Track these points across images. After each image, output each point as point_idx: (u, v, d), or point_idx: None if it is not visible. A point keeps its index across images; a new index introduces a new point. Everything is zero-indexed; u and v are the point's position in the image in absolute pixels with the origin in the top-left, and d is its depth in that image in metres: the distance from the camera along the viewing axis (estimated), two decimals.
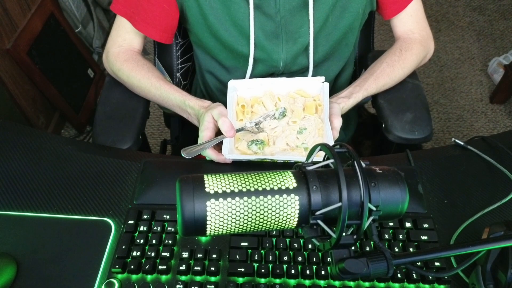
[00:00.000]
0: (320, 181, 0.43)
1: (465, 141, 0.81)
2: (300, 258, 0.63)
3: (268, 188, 0.42)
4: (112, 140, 0.83)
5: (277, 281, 0.62)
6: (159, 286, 0.61)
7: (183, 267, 0.62)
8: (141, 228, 0.67)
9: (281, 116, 0.80)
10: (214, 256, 0.63)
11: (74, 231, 0.68)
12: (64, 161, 0.78)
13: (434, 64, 2.23)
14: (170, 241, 0.65)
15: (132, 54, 0.91)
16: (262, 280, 0.62)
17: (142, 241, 0.65)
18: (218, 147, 0.76)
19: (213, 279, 0.62)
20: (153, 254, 0.64)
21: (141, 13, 0.86)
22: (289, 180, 0.43)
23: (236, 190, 0.42)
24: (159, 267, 0.62)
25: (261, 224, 0.43)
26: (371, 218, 0.43)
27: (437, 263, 0.63)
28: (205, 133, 0.75)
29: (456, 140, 0.81)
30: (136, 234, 0.67)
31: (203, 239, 0.66)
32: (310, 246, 0.65)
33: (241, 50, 0.87)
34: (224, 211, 0.41)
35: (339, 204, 0.41)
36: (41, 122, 1.73)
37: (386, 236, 0.66)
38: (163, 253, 0.64)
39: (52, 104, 1.77)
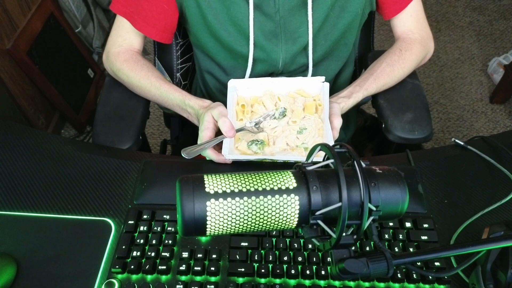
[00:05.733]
0: (320, 181, 0.43)
1: (465, 141, 0.81)
2: (300, 258, 0.63)
3: (268, 188, 0.42)
4: (112, 140, 0.83)
5: (277, 281, 0.62)
6: (159, 286, 0.61)
7: (183, 267, 0.62)
8: (141, 228, 0.67)
9: (281, 116, 0.80)
10: (214, 256, 0.63)
11: (74, 231, 0.68)
12: (64, 161, 0.78)
13: (434, 64, 2.23)
14: (170, 241, 0.65)
15: (132, 54, 0.91)
16: (262, 280, 0.62)
17: (142, 241, 0.65)
18: (218, 147, 0.76)
19: (213, 279, 0.62)
20: (153, 254, 0.64)
21: (141, 12, 0.86)
22: (289, 180, 0.43)
23: (236, 190, 0.42)
24: (159, 267, 0.62)
25: (261, 224, 0.43)
26: (371, 218, 0.43)
27: (437, 263, 0.63)
28: (205, 133, 0.75)
29: (456, 140, 0.81)
30: (136, 234, 0.67)
31: (203, 239, 0.66)
32: (310, 246, 0.65)
33: (240, 50, 0.87)
34: (224, 211, 0.41)
35: (339, 204, 0.41)
36: (41, 122, 1.73)
37: (386, 236, 0.66)
38: (163, 253, 0.64)
39: (52, 104, 1.77)
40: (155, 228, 0.67)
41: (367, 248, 0.65)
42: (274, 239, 0.66)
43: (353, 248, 0.44)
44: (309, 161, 0.46)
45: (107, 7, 2.14)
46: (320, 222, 0.43)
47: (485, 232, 0.58)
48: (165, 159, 0.80)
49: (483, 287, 0.54)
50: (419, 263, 0.63)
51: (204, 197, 0.41)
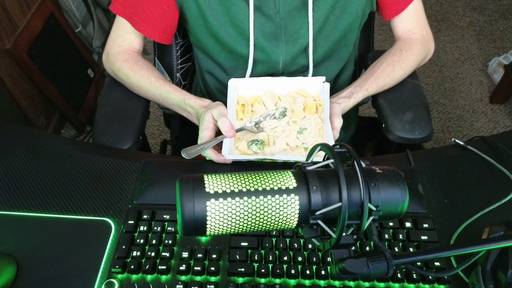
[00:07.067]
0: (320, 181, 0.43)
1: (465, 141, 0.81)
2: (300, 258, 0.63)
3: (268, 188, 0.42)
4: (112, 140, 0.83)
5: (277, 281, 0.62)
6: (159, 286, 0.61)
7: (183, 267, 0.62)
8: (141, 228, 0.67)
9: (281, 116, 0.80)
10: (214, 256, 0.63)
11: (74, 231, 0.68)
12: (64, 161, 0.78)
13: (434, 64, 2.23)
14: (170, 241, 0.65)
15: (132, 54, 0.91)
16: (262, 280, 0.62)
17: (142, 241, 0.65)
18: (218, 146, 0.76)
19: (213, 279, 0.62)
20: (153, 254, 0.64)
21: (141, 13, 0.86)
22: (289, 180, 0.43)
23: (236, 190, 0.42)
24: (159, 267, 0.62)
25: (261, 224, 0.43)
26: (371, 218, 0.43)
27: (437, 263, 0.63)
28: (205, 133, 0.75)
29: (456, 140, 0.81)
30: (136, 234, 0.67)
31: (203, 239, 0.66)
32: (310, 246, 0.65)
33: (241, 51, 0.87)
34: (224, 211, 0.41)
35: (339, 204, 0.41)
36: (41, 122, 1.73)
37: (386, 236, 0.66)
38: (163, 253, 0.64)
39: (52, 104, 1.77)
40: (155, 228, 0.67)
41: (367, 248, 0.65)
42: (274, 239, 0.66)
43: (353, 248, 0.44)
44: (309, 161, 0.46)
45: (107, 7, 2.14)
46: (320, 222, 0.43)
47: (485, 232, 0.58)
48: (165, 159, 0.80)
49: (483, 287, 0.54)
50: (419, 263, 0.63)
51: (204, 197, 0.41)
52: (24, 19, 1.58)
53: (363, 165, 0.44)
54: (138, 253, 0.64)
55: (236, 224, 0.42)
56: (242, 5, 0.82)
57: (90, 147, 0.82)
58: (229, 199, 0.41)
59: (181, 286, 0.61)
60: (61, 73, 1.78)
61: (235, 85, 0.82)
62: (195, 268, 0.62)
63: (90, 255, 0.65)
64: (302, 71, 0.92)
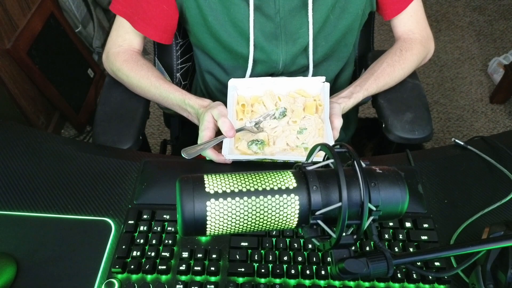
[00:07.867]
0: (320, 181, 0.43)
1: (465, 141, 0.81)
2: (300, 258, 0.63)
3: (268, 188, 0.42)
4: (112, 140, 0.83)
5: (277, 281, 0.62)
6: (159, 286, 0.61)
7: (183, 267, 0.62)
8: (141, 228, 0.67)
9: (281, 116, 0.80)
10: (214, 256, 0.63)
11: (74, 231, 0.68)
12: (64, 161, 0.78)
13: (434, 64, 2.23)
14: (170, 241, 0.65)
15: (131, 54, 0.91)
16: (262, 280, 0.62)
17: (142, 241, 0.65)
18: (218, 146, 0.76)
19: (213, 279, 0.62)
20: (153, 254, 0.64)
21: (141, 13, 0.86)
22: (289, 180, 0.43)
23: (236, 190, 0.42)
24: (159, 267, 0.62)
25: (261, 224, 0.43)
26: (371, 218, 0.43)
27: (437, 263, 0.63)
28: (205, 133, 0.75)
29: (456, 140, 0.81)
30: (136, 234, 0.67)
31: (203, 239, 0.66)
32: (310, 246, 0.65)
33: (241, 51, 0.87)
34: (224, 211, 0.41)
35: (339, 204, 0.41)
36: (41, 122, 1.73)
37: (386, 236, 0.66)
38: (163, 253, 0.64)
39: (52, 104, 1.77)
40: (155, 228, 0.67)
41: (367, 248, 0.65)
42: (274, 239, 0.66)
43: (353, 248, 0.44)
44: (309, 161, 0.46)
45: (107, 7, 2.14)
46: (320, 222, 0.43)
47: (485, 232, 0.58)
48: (165, 159, 0.80)
49: (483, 287, 0.54)
50: (419, 263, 0.63)
51: (204, 197, 0.41)
52: (24, 19, 1.58)
53: (363, 165, 0.44)
54: (138, 253, 0.64)
55: (236, 224, 0.42)
56: (242, 5, 0.82)
57: (90, 147, 0.82)
58: (229, 199, 0.41)
59: (181, 286, 0.61)
60: (61, 73, 1.78)
61: (235, 85, 0.82)
62: (195, 268, 0.62)
63: (90, 255, 0.65)
64: (302, 71, 0.92)
